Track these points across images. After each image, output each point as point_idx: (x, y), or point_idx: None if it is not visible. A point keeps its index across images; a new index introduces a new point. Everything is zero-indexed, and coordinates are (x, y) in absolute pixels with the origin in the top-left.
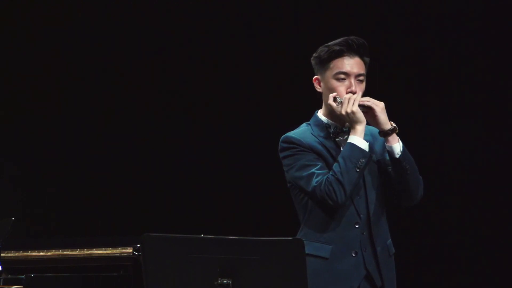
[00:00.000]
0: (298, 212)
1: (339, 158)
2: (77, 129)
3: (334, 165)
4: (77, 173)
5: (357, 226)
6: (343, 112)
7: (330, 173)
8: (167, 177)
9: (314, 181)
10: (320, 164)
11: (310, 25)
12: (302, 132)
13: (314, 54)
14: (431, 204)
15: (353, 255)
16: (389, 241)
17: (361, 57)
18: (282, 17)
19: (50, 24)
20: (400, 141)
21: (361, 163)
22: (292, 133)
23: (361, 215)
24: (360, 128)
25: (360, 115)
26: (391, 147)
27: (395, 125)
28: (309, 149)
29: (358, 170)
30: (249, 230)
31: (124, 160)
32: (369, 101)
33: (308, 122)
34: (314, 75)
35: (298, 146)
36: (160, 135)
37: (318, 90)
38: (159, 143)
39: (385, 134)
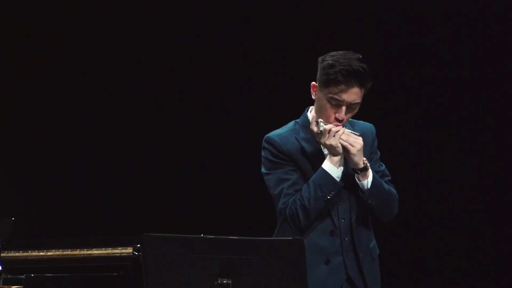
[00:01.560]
0: (276, 213)
1: (310, 183)
2: (77, 129)
3: (304, 188)
4: (77, 173)
5: (332, 236)
6: (322, 142)
7: (297, 196)
8: (167, 177)
9: (281, 201)
10: (292, 178)
11: (307, 23)
12: (286, 134)
13: (320, 59)
14: (421, 204)
15: (325, 263)
16: (373, 243)
17: (360, 87)
18: (281, 14)
19: (50, 23)
20: (370, 174)
21: (331, 194)
22: (275, 135)
23: (342, 221)
24: (337, 158)
25: (339, 149)
26: (361, 183)
27: (367, 162)
28: (288, 156)
29: (326, 200)
30: (249, 230)
31: (124, 160)
32: (347, 140)
33: (297, 120)
34: (309, 74)
35: (277, 152)
36: (160, 135)
37: (313, 97)
38: (159, 143)
39: (355, 171)
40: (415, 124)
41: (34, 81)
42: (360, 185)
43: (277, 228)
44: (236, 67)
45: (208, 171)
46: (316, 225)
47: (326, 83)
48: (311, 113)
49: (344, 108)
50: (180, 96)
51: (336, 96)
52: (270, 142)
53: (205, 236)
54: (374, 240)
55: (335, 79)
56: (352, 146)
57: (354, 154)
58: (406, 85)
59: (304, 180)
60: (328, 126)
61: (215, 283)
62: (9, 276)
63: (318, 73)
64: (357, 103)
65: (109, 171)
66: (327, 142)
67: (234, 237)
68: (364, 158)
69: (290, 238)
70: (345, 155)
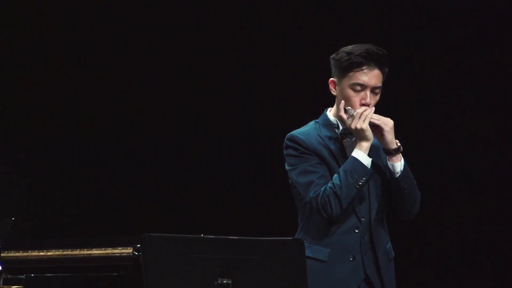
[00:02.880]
0: (298, 209)
1: (341, 171)
2: (77, 129)
3: (334, 177)
4: (77, 173)
5: (357, 231)
6: (353, 127)
7: (329, 184)
8: (167, 177)
9: (312, 191)
10: (321, 171)
11: (314, 21)
12: (308, 131)
13: (333, 56)
14: (432, 208)
15: (351, 259)
16: (389, 245)
17: (381, 69)
18: (288, 12)
19: (49, 23)
20: (402, 159)
21: (362, 180)
22: (298, 132)
23: (362, 219)
24: (366, 145)
25: (369, 133)
26: (392, 165)
27: (399, 144)
28: (312, 151)
29: (357, 187)
30: (249, 230)
31: (124, 160)
32: (379, 119)
33: (317, 120)
34: (328, 75)
35: (301, 147)
36: (160, 135)
37: (333, 93)
38: (159, 143)
39: (389, 153)
40: (429, 121)
41: (34, 81)
42: (391, 168)
43: (302, 223)
44: (238, 65)
45: (208, 171)
46: (341, 222)
47: (347, 70)
48: (331, 112)
49: (368, 92)
50: (180, 96)
51: (359, 81)
52: (293, 139)
53: (205, 236)
54: (390, 242)
55: (357, 62)
56: (386, 124)
57: (387, 132)
58: (407, 83)
59: (330, 175)
60: (359, 110)
61: (215, 283)
62: (9, 276)
63: (335, 67)
64: (379, 87)
65: (109, 171)
66: (358, 126)
67: (234, 237)
68: (397, 140)
69: (290, 238)
70: (377, 137)
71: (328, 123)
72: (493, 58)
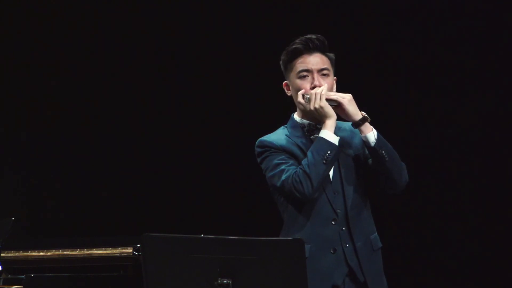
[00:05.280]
0: (281, 214)
1: (308, 152)
2: (77, 129)
3: (303, 160)
4: (77, 173)
5: (333, 223)
6: (312, 108)
7: (299, 167)
8: (167, 177)
9: (284, 176)
10: (291, 161)
11: (313, 21)
12: (276, 134)
13: (280, 59)
14: (424, 199)
15: (332, 252)
16: (374, 235)
17: (322, 53)
18: (271, 16)
19: (48, 23)
20: (374, 129)
21: (328, 155)
22: (265, 137)
23: (338, 211)
24: (330, 122)
25: (329, 109)
26: (365, 136)
27: (365, 114)
28: (281, 150)
29: (325, 162)
30: (249, 230)
31: (124, 160)
32: (335, 95)
33: (285, 125)
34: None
35: (271, 148)
36: (160, 135)
37: (288, 94)
38: (159, 143)
39: (357, 124)
40: (415, 121)
41: (34, 81)
42: (365, 140)
43: (284, 225)
44: (239, 67)
45: (208, 171)
46: (317, 214)
47: (290, 60)
48: (296, 114)
49: (316, 75)
50: (180, 96)
51: (302, 67)
52: (261, 144)
53: (205, 236)
54: (376, 233)
55: (295, 50)
56: (343, 97)
57: (347, 105)
58: (406, 84)
59: None
60: (313, 91)
61: (215, 283)
62: (9, 276)
63: (282, 67)
64: (326, 68)
65: (109, 171)
66: (316, 106)
67: (234, 237)
68: (362, 112)
69: (290, 238)
70: (341, 114)
71: (295, 125)
72: (493, 57)
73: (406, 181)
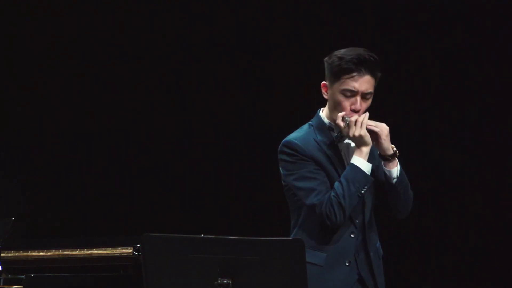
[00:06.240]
0: (291, 212)
1: (342, 179)
2: (77, 129)
3: (336, 185)
4: (77, 173)
5: (352, 236)
6: (351, 135)
7: (332, 193)
8: (167, 177)
9: (315, 198)
10: (320, 178)
11: (311, 22)
12: (304, 137)
13: (326, 59)
14: (422, 208)
15: (347, 264)
16: (378, 243)
17: (372, 75)
18: (285, 15)
19: (49, 23)
20: (398, 164)
21: (364, 189)
22: (294, 138)
23: (356, 222)
24: (366, 150)
25: (368, 138)
26: (389, 171)
27: (396, 149)
28: (309, 157)
29: (359, 195)
30: (249, 230)
31: (124, 160)
32: (376, 126)
33: (311, 122)
34: (319, 77)
35: (298, 153)
36: (160, 135)
37: (325, 96)
38: (159, 143)
39: (385, 159)
40: (419, 123)
41: (34, 81)
42: (388, 174)
43: (297, 227)
44: (240, 67)
45: (208, 171)
46: (338, 228)
47: (338, 75)
48: (323, 113)
49: (358, 98)
50: (180, 96)
51: (349, 87)
52: (290, 145)
53: (205, 236)
54: (379, 241)
55: (347, 68)
56: (382, 131)
57: (384, 140)
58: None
59: (328, 179)
60: (353, 118)
61: (215, 283)
62: (9, 276)
63: (327, 70)
64: (370, 92)
65: (109, 171)
66: (356, 134)
67: (234, 237)
68: (393, 145)
69: (290, 238)
70: (373, 143)
71: (322, 126)
72: (492, 58)
73: (409, 210)
